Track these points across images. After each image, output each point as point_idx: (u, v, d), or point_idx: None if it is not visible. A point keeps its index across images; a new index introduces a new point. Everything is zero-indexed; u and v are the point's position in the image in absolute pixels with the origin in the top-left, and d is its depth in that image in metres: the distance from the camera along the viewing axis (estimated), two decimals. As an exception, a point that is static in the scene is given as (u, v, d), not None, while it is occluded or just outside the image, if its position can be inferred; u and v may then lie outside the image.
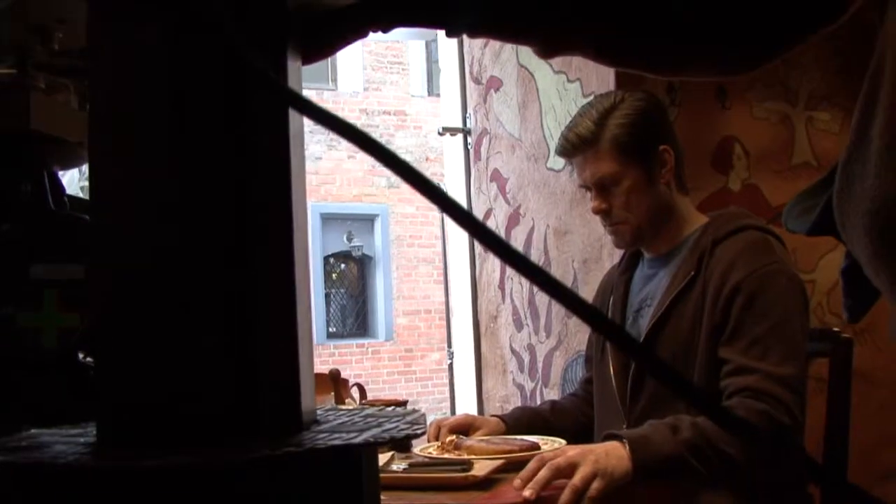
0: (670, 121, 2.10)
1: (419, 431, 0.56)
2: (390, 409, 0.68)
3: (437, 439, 1.94)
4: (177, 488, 0.49)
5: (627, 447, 1.61)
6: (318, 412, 0.63)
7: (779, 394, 1.72)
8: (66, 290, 1.05)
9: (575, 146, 2.02)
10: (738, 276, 1.84)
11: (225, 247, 0.55)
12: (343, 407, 0.83)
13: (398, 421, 0.60)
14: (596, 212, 2.05)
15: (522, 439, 1.83)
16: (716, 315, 1.85)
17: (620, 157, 1.97)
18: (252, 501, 0.50)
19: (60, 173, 1.32)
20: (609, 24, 0.88)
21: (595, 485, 1.53)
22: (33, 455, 0.51)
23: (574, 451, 1.59)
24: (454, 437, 1.87)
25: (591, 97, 2.93)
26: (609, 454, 1.59)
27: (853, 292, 0.86)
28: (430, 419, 1.99)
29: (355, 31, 0.80)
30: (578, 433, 2.10)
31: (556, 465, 1.54)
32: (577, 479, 1.53)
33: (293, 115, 0.59)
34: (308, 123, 0.58)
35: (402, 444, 1.80)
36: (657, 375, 0.44)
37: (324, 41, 0.77)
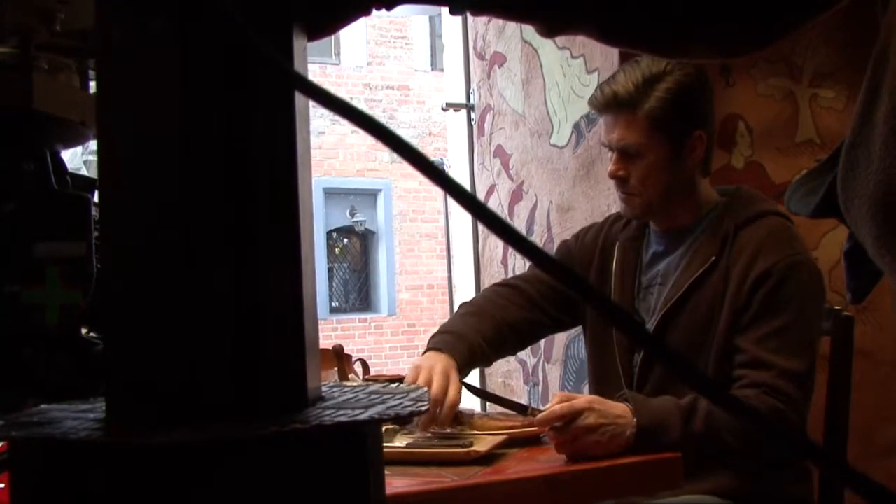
0: (711, 102, 2.01)
1: (423, 408, 0.57)
2: (394, 385, 0.69)
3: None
4: (184, 464, 0.50)
5: (634, 435, 1.64)
6: (323, 389, 0.64)
7: (791, 392, 1.75)
8: (69, 268, 1.07)
9: (609, 103, 1.95)
10: (765, 265, 1.82)
11: (231, 224, 0.56)
12: (347, 383, 0.84)
13: (402, 398, 0.61)
14: (612, 176, 1.98)
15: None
16: (738, 302, 1.84)
17: (651, 132, 1.91)
18: (258, 477, 0.51)
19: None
20: (612, 3, 0.88)
21: (591, 438, 1.59)
22: (44, 430, 0.51)
23: (597, 406, 1.63)
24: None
25: (595, 73, 2.93)
26: (611, 422, 1.62)
27: (856, 274, 0.86)
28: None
29: (359, 8, 0.80)
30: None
31: (574, 406, 1.60)
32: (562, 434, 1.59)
33: (299, 94, 0.60)
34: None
35: (404, 420, 1.81)
36: (666, 362, 0.44)
37: (328, 18, 0.77)
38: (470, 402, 4.06)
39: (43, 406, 0.62)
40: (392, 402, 0.58)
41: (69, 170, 1.23)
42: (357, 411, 0.54)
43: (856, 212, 0.76)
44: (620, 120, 1.93)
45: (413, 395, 0.62)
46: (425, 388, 0.65)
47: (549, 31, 0.90)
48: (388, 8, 0.81)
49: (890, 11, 0.74)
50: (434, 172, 0.48)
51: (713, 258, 1.88)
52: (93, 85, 1.31)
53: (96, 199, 1.30)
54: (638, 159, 1.93)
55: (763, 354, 1.78)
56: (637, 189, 1.95)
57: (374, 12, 0.82)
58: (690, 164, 1.95)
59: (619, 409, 1.67)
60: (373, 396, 0.61)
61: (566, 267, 0.46)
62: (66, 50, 1.18)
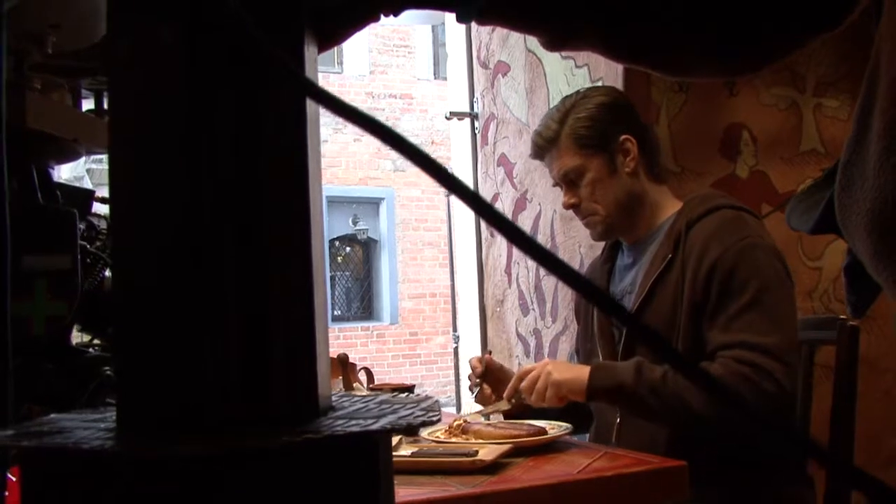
0: (634, 112, 2.15)
1: (434, 419, 0.57)
2: (404, 395, 0.69)
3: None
4: (196, 475, 0.50)
5: (589, 375, 1.87)
6: (333, 398, 0.64)
7: (762, 362, 1.75)
8: (55, 280, 1.09)
9: (541, 147, 2.11)
10: (715, 254, 1.87)
11: (241, 234, 0.56)
12: (356, 393, 0.84)
13: (413, 408, 0.60)
14: (567, 207, 2.11)
15: (530, 424, 1.85)
16: (695, 293, 1.88)
17: (580, 151, 2.04)
18: (270, 487, 0.50)
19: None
20: (615, 19, 0.88)
21: (538, 385, 1.91)
22: (55, 440, 0.51)
23: (546, 364, 1.94)
24: (462, 420, 1.89)
25: (600, 83, 2.94)
26: (570, 370, 1.93)
27: (856, 288, 0.87)
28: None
29: (367, 15, 0.80)
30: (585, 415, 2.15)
31: (524, 371, 1.96)
32: (526, 383, 1.93)
33: (310, 101, 0.60)
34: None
35: (414, 430, 1.83)
36: (646, 342, 0.45)
37: (338, 26, 0.77)
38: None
39: (52, 415, 0.62)
40: (403, 412, 0.58)
41: (70, 179, 1.24)
42: (369, 421, 0.54)
43: (853, 228, 0.77)
44: (553, 155, 2.09)
45: (424, 404, 0.62)
46: (435, 399, 0.64)
47: (553, 43, 0.90)
48: (396, 13, 0.81)
49: (880, 31, 0.75)
50: (444, 176, 0.48)
51: (669, 256, 1.95)
52: (85, 104, 1.33)
53: (95, 209, 1.31)
54: (581, 180, 2.07)
55: (731, 337, 1.81)
56: (591, 208, 2.08)
57: (382, 18, 0.82)
58: (630, 171, 2.06)
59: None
60: (383, 406, 0.61)
61: (561, 261, 0.46)
62: (59, 70, 1.21)
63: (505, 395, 2.01)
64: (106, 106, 1.34)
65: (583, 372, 1.89)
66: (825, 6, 0.87)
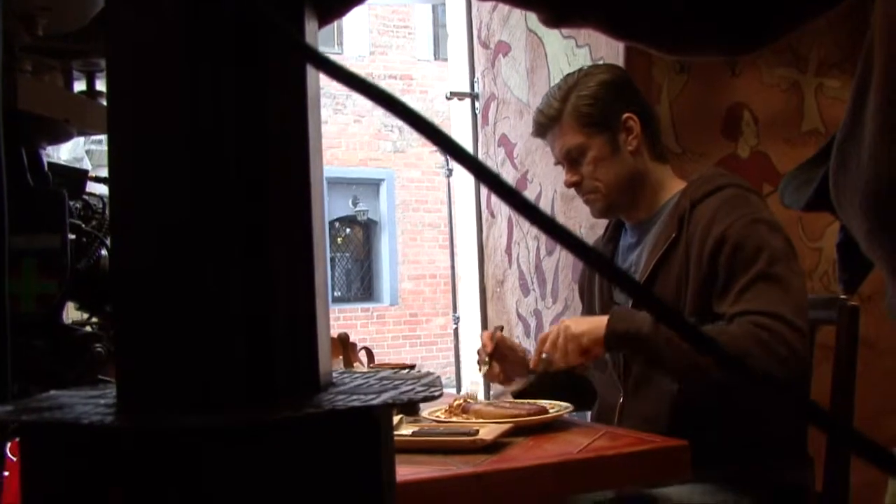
0: (637, 90, 2.15)
1: (436, 394, 0.57)
2: (404, 371, 0.69)
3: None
4: (196, 449, 0.49)
5: (607, 321, 1.87)
6: (333, 375, 0.64)
7: (775, 327, 1.75)
8: (44, 259, 1.10)
9: (542, 125, 2.11)
10: (720, 228, 1.87)
11: (242, 209, 0.55)
12: (357, 370, 0.84)
13: (414, 383, 0.60)
14: (568, 185, 2.12)
15: (531, 403, 1.85)
16: (702, 268, 1.88)
17: (583, 129, 2.04)
18: (271, 462, 0.50)
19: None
20: None
21: (560, 343, 1.89)
22: (55, 415, 0.51)
23: (562, 322, 1.95)
24: (462, 400, 1.89)
25: (601, 62, 2.93)
26: (588, 321, 1.93)
27: (848, 266, 0.87)
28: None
29: None
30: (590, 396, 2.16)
31: (543, 336, 1.95)
32: (548, 344, 1.91)
33: (310, 78, 0.59)
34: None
35: (410, 408, 1.83)
36: (656, 314, 0.45)
37: (337, 1, 0.77)
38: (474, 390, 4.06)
39: (52, 392, 0.62)
40: (404, 388, 0.58)
41: (70, 160, 1.26)
42: (370, 396, 0.54)
43: (847, 206, 0.77)
44: (556, 133, 2.09)
45: (425, 380, 0.61)
46: (437, 375, 0.64)
47: (552, 20, 0.89)
48: None
49: (875, 9, 0.74)
50: (444, 141, 0.47)
51: (673, 235, 1.95)
52: (77, 85, 1.34)
53: (89, 188, 1.32)
54: (583, 159, 2.06)
55: (743, 306, 1.81)
56: (592, 186, 2.07)
57: None
58: (633, 149, 2.06)
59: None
60: (384, 382, 0.61)
61: (565, 229, 0.46)
62: (51, 52, 1.22)
63: (531, 364, 2.01)
64: (98, 87, 1.34)
65: (601, 320, 1.89)
66: None
